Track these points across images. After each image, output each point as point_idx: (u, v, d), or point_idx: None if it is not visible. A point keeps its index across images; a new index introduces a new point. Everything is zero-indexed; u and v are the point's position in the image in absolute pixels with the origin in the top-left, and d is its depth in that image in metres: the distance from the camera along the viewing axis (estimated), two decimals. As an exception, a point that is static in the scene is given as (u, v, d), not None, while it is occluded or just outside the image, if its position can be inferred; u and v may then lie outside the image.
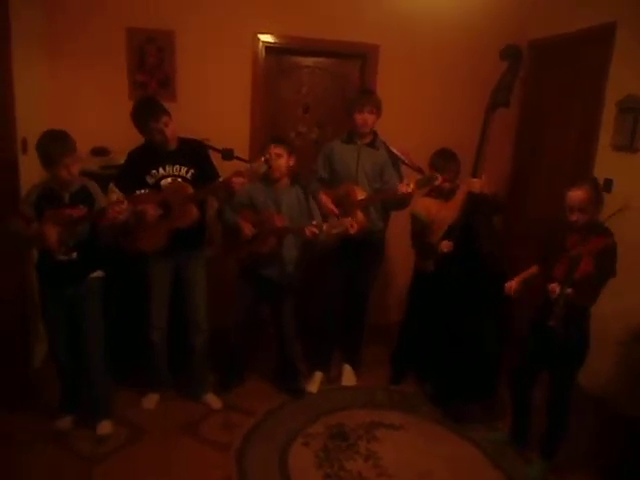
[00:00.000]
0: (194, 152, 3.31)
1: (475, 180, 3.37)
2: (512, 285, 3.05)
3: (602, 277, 2.74)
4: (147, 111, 3.14)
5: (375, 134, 3.60)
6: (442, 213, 3.60)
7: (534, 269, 3.09)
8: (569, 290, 2.64)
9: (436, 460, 3.17)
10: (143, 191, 3.15)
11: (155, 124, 3.10)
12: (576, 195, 2.77)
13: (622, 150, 3.52)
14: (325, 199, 3.53)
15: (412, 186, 3.26)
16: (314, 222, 3.23)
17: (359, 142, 3.56)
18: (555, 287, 2.71)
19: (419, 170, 3.60)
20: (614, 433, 3.32)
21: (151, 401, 3.52)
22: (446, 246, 3.45)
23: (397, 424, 3.48)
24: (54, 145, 2.81)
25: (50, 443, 3.11)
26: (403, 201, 3.46)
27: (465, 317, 3.46)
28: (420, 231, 3.71)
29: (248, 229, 3.35)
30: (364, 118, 3.49)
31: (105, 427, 3.20)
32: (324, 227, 3.18)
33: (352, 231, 3.24)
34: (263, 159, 3.16)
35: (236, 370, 3.80)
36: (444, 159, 3.56)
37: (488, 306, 3.46)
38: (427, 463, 3.14)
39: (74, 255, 2.96)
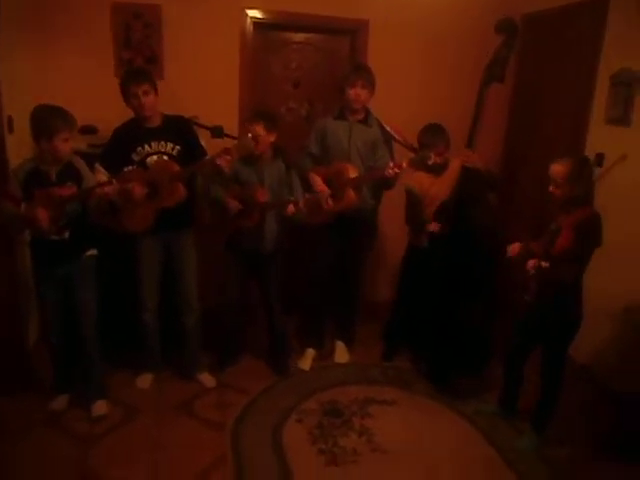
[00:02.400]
0: (179, 128, 3.27)
1: (470, 152, 3.35)
2: (515, 248, 2.99)
3: (585, 247, 2.76)
4: (133, 74, 3.17)
5: (368, 111, 3.56)
6: (434, 188, 3.59)
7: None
8: (544, 264, 2.68)
9: (429, 435, 3.21)
10: (130, 168, 3.12)
11: (135, 88, 3.07)
12: (555, 169, 2.81)
13: (615, 124, 3.50)
14: (316, 179, 3.51)
15: (404, 165, 3.25)
16: (292, 198, 3.28)
17: (351, 118, 3.52)
18: (532, 263, 2.76)
19: (412, 149, 3.57)
20: (605, 407, 3.35)
21: (145, 381, 3.53)
22: (434, 227, 3.47)
23: (390, 400, 3.51)
24: (53, 117, 2.79)
25: (45, 424, 3.11)
26: (389, 182, 3.44)
27: (456, 292, 3.47)
28: (413, 206, 3.70)
29: (233, 205, 3.34)
30: (357, 93, 3.44)
31: (100, 407, 3.21)
32: (300, 203, 3.26)
33: (327, 207, 3.34)
34: (250, 135, 3.13)
35: (231, 349, 3.80)
36: (432, 134, 3.52)
37: (479, 282, 3.47)
38: (420, 438, 3.18)
39: (66, 234, 2.94)
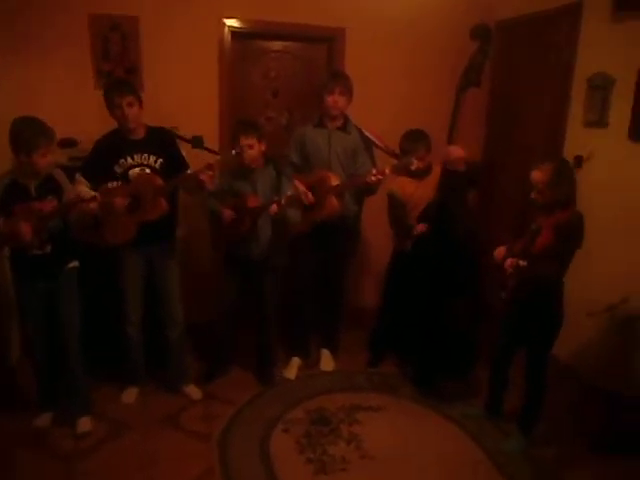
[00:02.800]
0: (162, 140, 3.26)
1: (454, 147, 3.37)
2: (501, 252, 2.98)
3: (565, 249, 2.79)
4: (116, 85, 3.15)
5: (347, 118, 3.58)
6: (418, 192, 3.62)
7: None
8: (522, 263, 2.71)
9: (417, 439, 3.22)
10: (113, 184, 3.10)
11: (119, 99, 3.04)
12: (535, 175, 2.83)
13: (592, 126, 3.55)
14: (299, 185, 3.50)
15: (387, 172, 3.26)
16: (275, 198, 3.28)
17: (330, 126, 3.54)
18: (510, 262, 2.79)
19: (394, 155, 3.59)
20: (591, 406, 3.38)
21: (130, 395, 3.50)
22: (421, 228, 3.48)
23: (377, 406, 3.51)
24: (31, 131, 2.74)
25: (30, 442, 3.07)
26: (371, 188, 3.45)
27: (441, 297, 3.49)
28: (397, 211, 3.72)
29: (227, 214, 3.35)
30: (334, 100, 3.46)
31: (85, 424, 3.17)
32: (282, 201, 3.26)
33: (307, 202, 3.37)
34: (234, 152, 3.14)
35: (222, 360, 3.79)
36: (413, 140, 3.55)
37: (463, 285, 3.49)
38: (408, 443, 3.18)
39: (48, 249, 2.90)
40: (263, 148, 3.38)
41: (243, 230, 3.34)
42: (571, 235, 2.76)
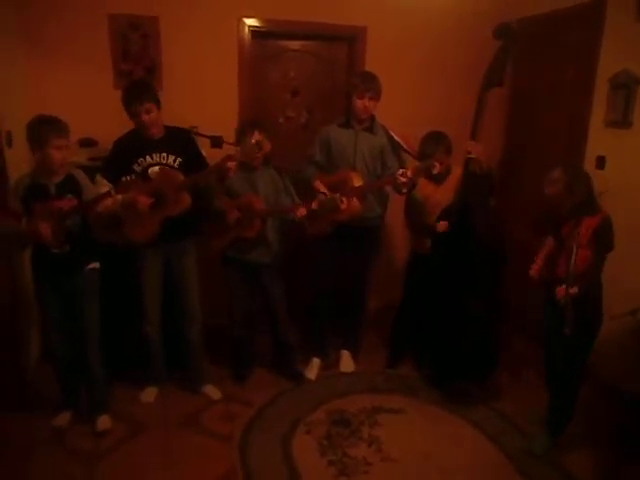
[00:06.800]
0: (181, 140, 3.26)
1: (474, 143, 3.33)
2: (536, 268, 2.97)
3: (602, 254, 2.77)
4: (135, 92, 3.12)
5: (373, 118, 3.53)
6: (436, 195, 3.60)
7: (550, 243, 3.07)
8: (573, 290, 2.63)
9: (438, 441, 3.19)
10: (131, 177, 3.06)
11: (137, 107, 3.05)
12: (547, 192, 2.86)
13: (615, 126, 3.52)
14: (318, 185, 3.48)
15: (409, 174, 3.22)
16: (298, 201, 3.27)
17: (356, 127, 3.50)
18: (561, 291, 2.68)
19: (417, 157, 3.55)
20: (613, 409, 3.34)
21: (150, 395, 3.49)
22: (443, 226, 3.44)
23: (398, 408, 3.49)
24: (44, 125, 2.76)
25: (49, 443, 3.07)
26: (400, 190, 3.40)
27: (462, 298, 3.46)
28: (415, 211, 3.70)
29: (233, 214, 3.32)
30: (365, 104, 3.42)
31: (104, 422, 3.17)
32: (313, 205, 3.23)
33: (343, 207, 3.29)
34: (254, 141, 3.11)
35: (246, 360, 3.79)
36: (434, 142, 3.51)
37: (484, 286, 3.46)
38: (429, 445, 3.16)
39: (67, 248, 2.90)
40: (268, 148, 3.37)
41: (252, 234, 3.32)
42: (604, 240, 2.75)
